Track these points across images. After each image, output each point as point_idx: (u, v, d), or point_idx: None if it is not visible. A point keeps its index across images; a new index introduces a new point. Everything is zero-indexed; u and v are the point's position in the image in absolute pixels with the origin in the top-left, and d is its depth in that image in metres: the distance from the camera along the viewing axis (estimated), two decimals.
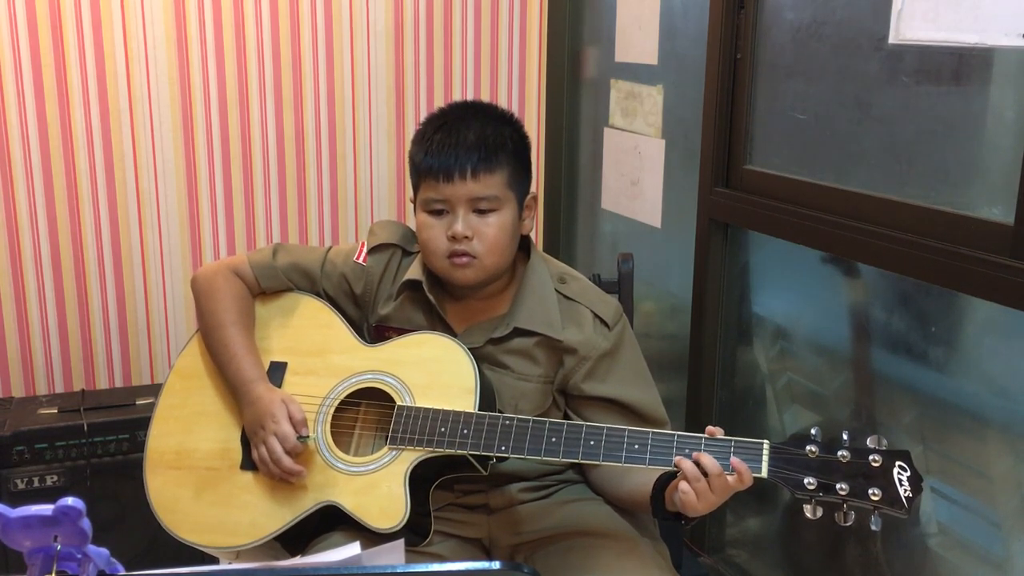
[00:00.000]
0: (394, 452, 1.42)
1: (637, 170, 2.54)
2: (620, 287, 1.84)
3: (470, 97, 2.78)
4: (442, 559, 1.50)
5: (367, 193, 2.76)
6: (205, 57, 2.53)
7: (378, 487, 1.41)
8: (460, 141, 1.47)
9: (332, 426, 1.49)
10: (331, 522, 1.46)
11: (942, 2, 1.59)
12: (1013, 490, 1.67)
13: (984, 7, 1.53)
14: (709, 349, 2.26)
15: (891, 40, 1.71)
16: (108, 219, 2.52)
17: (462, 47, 2.78)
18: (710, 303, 2.23)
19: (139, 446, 2.21)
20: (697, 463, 1.26)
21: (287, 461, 1.42)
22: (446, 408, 1.41)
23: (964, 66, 1.62)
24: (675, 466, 1.28)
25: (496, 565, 0.85)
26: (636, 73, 2.51)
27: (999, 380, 1.68)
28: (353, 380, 1.51)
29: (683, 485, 1.26)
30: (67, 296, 2.53)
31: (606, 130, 2.67)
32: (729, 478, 1.25)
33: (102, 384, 2.61)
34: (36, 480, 2.18)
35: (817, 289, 2.05)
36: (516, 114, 1.58)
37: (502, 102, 2.81)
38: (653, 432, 1.32)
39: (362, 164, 2.73)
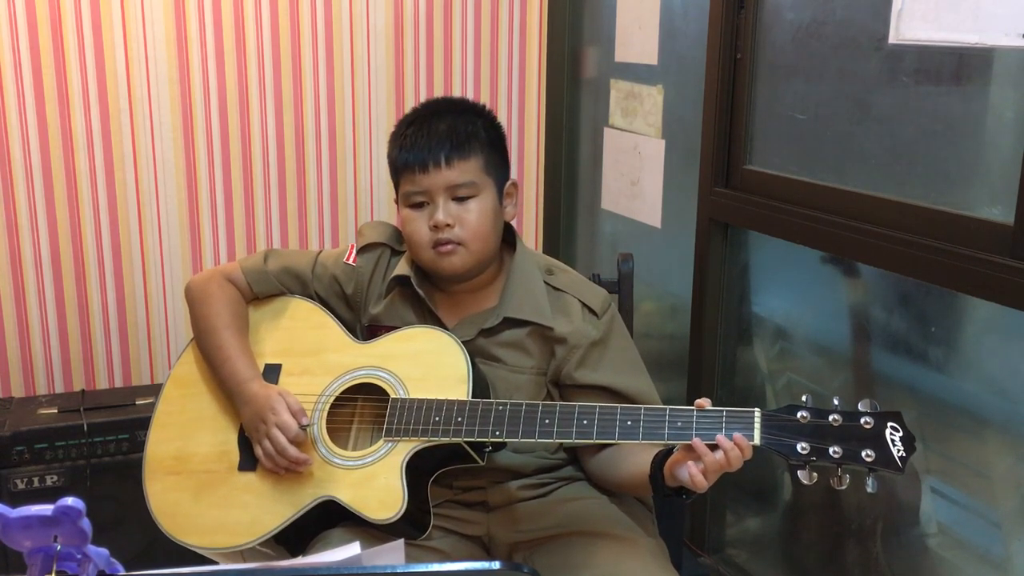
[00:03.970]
0: (390, 444, 1.43)
1: (637, 170, 2.53)
2: (620, 287, 1.84)
3: (470, 98, 2.78)
4: (443, 555, 1.50)
5: (367, 193, 2.76)
6: (205, 58, 2.53)
7: (375, 479, 1.41)
8: (432, 132, 1.50)
9: (330, 423, 1.50)
10: (331, 519, 1.47)
11: (942, 2, 1.59)
12: (1013, 490, 1.67)
13: (984, 7, 1.53)
14: (709, 349, 2.25)
15: (891, 40, 1.70)
16: (108, 220, 2.52)
17: (462, 47, 2.78)
18: (710, 303, 2.23)
19: (139, 446, 2.20)
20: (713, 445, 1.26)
21: (292, 450, 1.43)
22: (440, 397, 1.42)
23: (964, 66, 1.62)
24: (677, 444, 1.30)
25: (496, 565, 0.85)
26: (636, 73, 2.51)
27: (999, 380, 1.68)
28: (347, 377, 1.52)
29: (692, 463, 1.27)
30: (67, 296, 2.53)
31: (606, 130, 2.67)
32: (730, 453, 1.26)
33: (102, 384, 2.61)
34: (36, 480, 2.18)
35: (817, 289, 2.05)
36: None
37: (502, 102, 2.81)
38: (645, 408, 1.33)
39: (362, 164, 2.73)
